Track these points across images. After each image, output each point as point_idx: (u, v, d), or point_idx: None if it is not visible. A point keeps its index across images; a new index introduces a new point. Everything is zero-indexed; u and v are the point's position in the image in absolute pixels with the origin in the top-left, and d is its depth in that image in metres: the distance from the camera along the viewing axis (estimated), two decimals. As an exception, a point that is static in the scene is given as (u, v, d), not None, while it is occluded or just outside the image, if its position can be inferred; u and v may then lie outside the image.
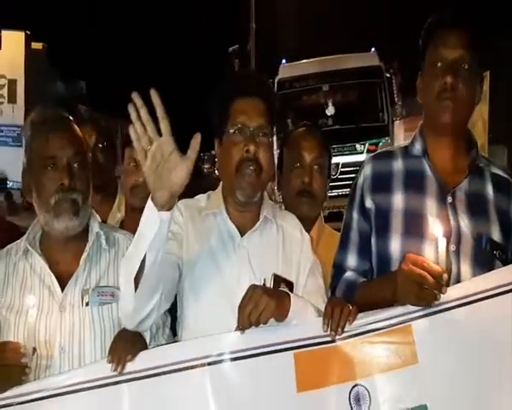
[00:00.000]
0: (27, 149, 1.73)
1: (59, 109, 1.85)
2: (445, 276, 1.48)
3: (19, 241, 1.76)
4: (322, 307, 1.58)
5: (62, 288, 1.67)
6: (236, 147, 1.68)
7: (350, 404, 1.49)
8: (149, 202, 1.39)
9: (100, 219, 1.81)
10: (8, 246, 1.77)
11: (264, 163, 1.69)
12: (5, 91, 26.01)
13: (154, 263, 1.43)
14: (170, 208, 1.39)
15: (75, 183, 1.66)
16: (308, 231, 2.11)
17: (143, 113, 1.33)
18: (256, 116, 1.69)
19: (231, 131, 1.69)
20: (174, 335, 1.77)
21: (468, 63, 1.63)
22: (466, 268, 1.63)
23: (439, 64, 1.64)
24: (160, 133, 1.34)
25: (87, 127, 2.76)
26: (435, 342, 1.52)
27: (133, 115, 1.33)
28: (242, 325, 1.47)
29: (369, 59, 10.40)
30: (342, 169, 8.99)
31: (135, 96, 1.32)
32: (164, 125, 1.34)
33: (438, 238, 1.51)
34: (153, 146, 1.33)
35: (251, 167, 1.67)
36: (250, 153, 1.66)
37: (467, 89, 1.63)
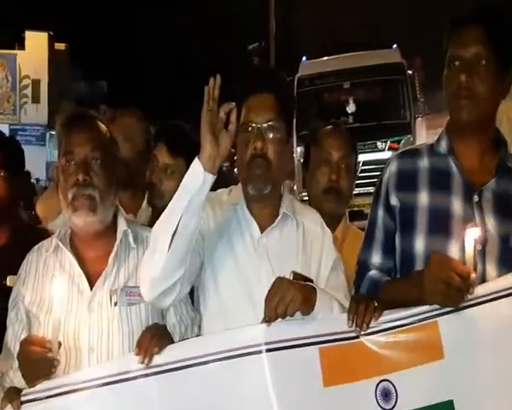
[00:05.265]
0: (58, 148, 1.77)
1: (83, 107, 1.88)
2: (473, 276, 1.47)
3: (50, 238, 1.78)
4: (345, 303, 1.59)
5: (91, 286, 1.69)
6: (246, 145, 1.71)
7: (376, 399, 1.50)
8: (196, 161, 1.52)
9: (126, 216, 1.82)
10: (40, 243, 1.80)
11: (274, 158, 1.71)
12: (29, 91, 26.44)
13: (188, 225, 1.50)
14: (212, 172, 1.52)
15: (91, 179, 1.66)
16: (333, 230, 2.11)
17: (217, 90, 1.54)
18: (264, 112, 1.71)
19: (242, 129, 1.72)
20: None
21: (485, 59, 1.62)
22: (492, 268, 1.62)
23: (456, 63, 1.64)
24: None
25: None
26: (461, 337, 1.52)
27: (211, 83, 1.54)
28: (269, 317, 1.47)
29: (391, 56, 10.30)
30: (363, 167, 8.87)
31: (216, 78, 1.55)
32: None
33: (464, 238, 1.50)
34: (214, 106, 1.54)
35: (259, 163, 1.70)
36: (257, 150, 1.69)
37: (484, 85, 1.62)
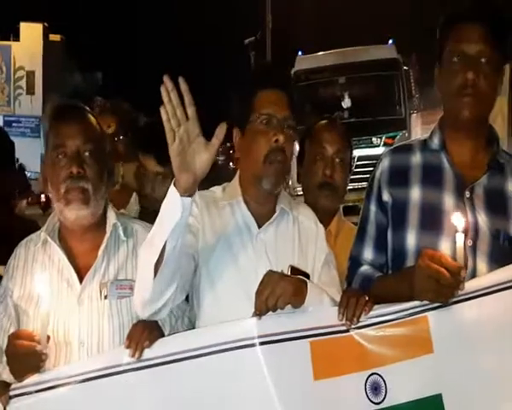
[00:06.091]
0: (45, 140, 1.75)
1: (73, 99, 1.86)
2: (463, 272, 1.47)
3: (38, 232, 1.76)
4: (337, 298, 1.59)
5: (81, 280, 1.67)
6: (265, 137, 1.69)
7: (366, 392, 1.50)
8: (172, 188, 1.41)
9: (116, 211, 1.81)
10: (28, 237, 1.78)
11: (289, 154, 1.72)
12: (24, 83, 26.31)
13: (173, 250, 1.45)
14: (191, 194, 1.42)
15: (85, 171, 1.65)
16: (327, 224, 2.12)
17: (173, 96, 1.36)
18: (282, 107, 1.72)
19: (259, 121, 1.71)
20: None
21: (488, 57, 1.61)
22: (482, 264, 1.62)
23: (459, 59, 1.63)
24: (187, 118, 1.39)
25: (107, 117, 2.78)
26: (451, 332, 1.53)
27: (165, 97, 1.36)
28: (259, 310, 1.47)
29: (387, 51, 10.31)
30: (358, 162, 8.88)
31: (166, 80, 1.36)
32: (191, 111, 1.38)
33: (455, 233, 1.50)
34: (180, 129, 1.37)
35: (278, 157, 1.69)
36: (279, 143, 1.69)
37: (487, 83, 1.62)
